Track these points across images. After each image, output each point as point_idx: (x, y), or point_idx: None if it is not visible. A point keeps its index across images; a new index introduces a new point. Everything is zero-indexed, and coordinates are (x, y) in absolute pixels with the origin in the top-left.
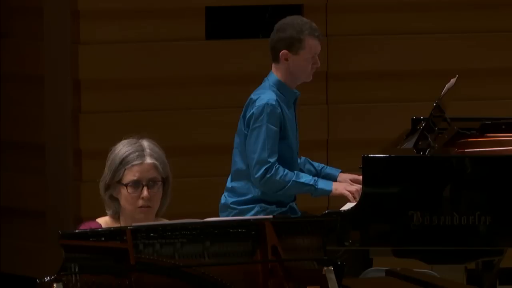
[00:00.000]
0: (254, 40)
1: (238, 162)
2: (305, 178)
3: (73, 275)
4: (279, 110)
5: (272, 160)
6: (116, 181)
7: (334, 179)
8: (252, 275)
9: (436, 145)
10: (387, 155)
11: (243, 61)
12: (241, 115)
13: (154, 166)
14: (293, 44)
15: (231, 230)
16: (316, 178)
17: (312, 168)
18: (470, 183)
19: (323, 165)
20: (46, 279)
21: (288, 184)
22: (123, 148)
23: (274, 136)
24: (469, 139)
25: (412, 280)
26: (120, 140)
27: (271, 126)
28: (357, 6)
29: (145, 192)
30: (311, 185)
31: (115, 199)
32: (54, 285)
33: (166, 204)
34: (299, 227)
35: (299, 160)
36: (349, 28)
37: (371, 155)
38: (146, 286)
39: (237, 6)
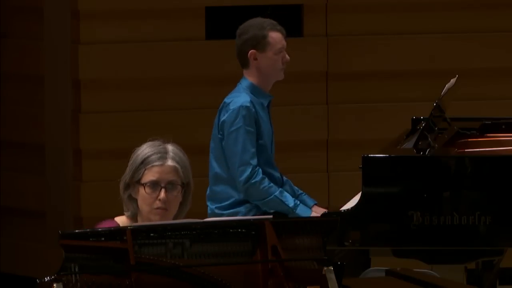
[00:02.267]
0: None
1: (215, 167)
2: (288, 198)
3: (73, 275)
4: (253, 111)
5: (253, 162)
6: (135, 181)
7: (307, 208)
8: (252, 275)
9: (436, 145)
10: (387, 155)
11: None
12: (215, 119)
13: (174, 169)
14: (259, 42)
15: (231, 230)
16: (297, 202)
17: (290, 191)
18: (470, 183)
19: (301, 191)
20: (46, 279)
21: (270, 197)
22: (146, 148)
23: (252, 137)
24: (469, 139)
25: (412, 280)
26: (121, 140)
27: (248, 128)
28: (357, 6)
29: (162, 194)
30: (291, 207)
31: (133, 200)
32: (54, 285)
33: (185, 211)
34: (299, 227)
35: (284, 178)
36: (349, 28)
37: (371, 155)
38: (146, 286)
39: (237, 6)
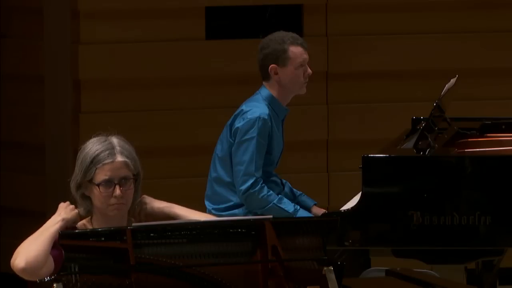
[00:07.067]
0: (254, 40)
1: (219, 169)
2: (287, 205)
3: (73, 275)
4: (269, 125)
5: (257, 174)
6: (87, 180)
7: (308, 208)
8: (252, 275)
9: (436, 145)
10: (387, 155)
11: (243, 61)
12: (228, 122)
13: (125, 164)
14: (279, 57)
15: (231, 230)
16: (297, 207)
17: (289, 193)
18: (470, 183)
19: (300, 192)
20: (46, 279)
21: (269, 205)
22: (93, 146)
23: (262, 150)
24: (469, 139)
25: (412, 280)
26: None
27: (261, 140)
28: (357, 6)
29: (117, 191)
30: (291, 213)
31: (87, 198)
32: (54, 285)
33: (137, 200)
34: (299, 227)
35: (283, 181)
36: (349, 28)
37: (371, 155)
38: (146, 286)
39: (237, 6)
